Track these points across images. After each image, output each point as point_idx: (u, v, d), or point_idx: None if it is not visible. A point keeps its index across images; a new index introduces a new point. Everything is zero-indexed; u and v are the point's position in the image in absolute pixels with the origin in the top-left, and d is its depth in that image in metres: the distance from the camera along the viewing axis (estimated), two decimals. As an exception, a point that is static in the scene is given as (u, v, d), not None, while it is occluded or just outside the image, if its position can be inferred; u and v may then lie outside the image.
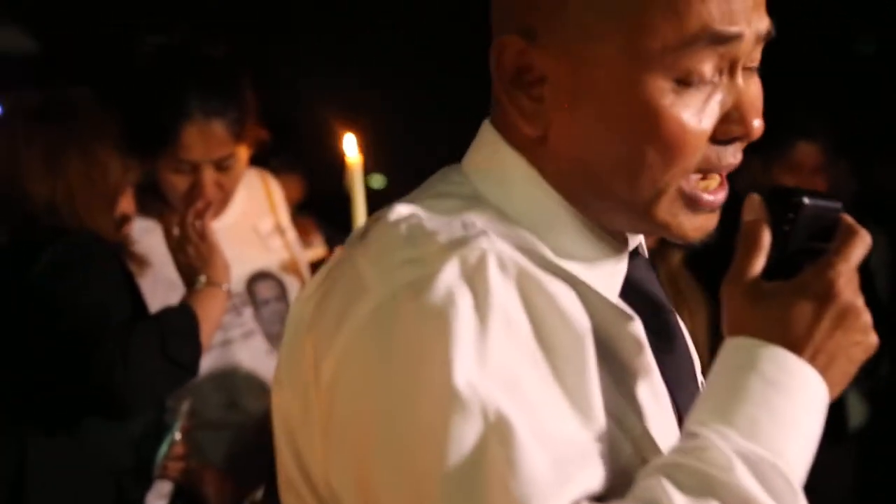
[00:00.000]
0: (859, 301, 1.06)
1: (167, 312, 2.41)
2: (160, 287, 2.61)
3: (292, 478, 1.09)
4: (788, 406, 1.01)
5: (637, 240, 1.17)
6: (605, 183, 1.08)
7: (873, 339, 1.08)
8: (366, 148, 2.72)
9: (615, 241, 1.13)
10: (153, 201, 2.68)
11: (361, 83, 5.75)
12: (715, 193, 1.09)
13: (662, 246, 2.66)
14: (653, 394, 1.10)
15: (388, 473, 0.97)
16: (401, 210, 1.07)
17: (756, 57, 1.09)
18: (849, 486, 3.68)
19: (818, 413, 1.03)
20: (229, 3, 5.80)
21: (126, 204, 2.52)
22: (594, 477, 0.98)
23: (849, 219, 1.09)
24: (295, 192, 3.77)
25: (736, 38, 1.04)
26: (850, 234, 1.07)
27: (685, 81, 1.04)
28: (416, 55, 5.88)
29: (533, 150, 1.11)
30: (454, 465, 0.93)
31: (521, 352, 0.99)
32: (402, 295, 0.99)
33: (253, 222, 2.83)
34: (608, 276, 1.12)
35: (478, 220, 1.06)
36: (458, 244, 1.01)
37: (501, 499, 0.92)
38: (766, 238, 1.07)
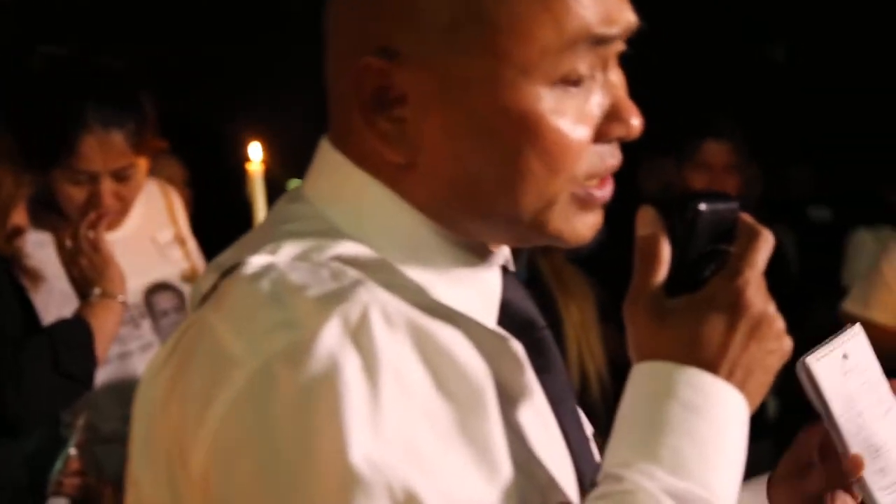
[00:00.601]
0: (771, 308, 0.99)
1: (60, 326, 2.34)
2: (54, 301, 2.53)
3: None
4: (711, 431, 0.94)
5: (504, 256, 1.08)
6: (488, 202, 0.98)
7: (788, 344, 1.00)
8: (284, 154, 2.68)
9: (486, 261, 1.04)
10: (47, 214, 2.60)
11: (280, 89, 5.68)
12: (602, 188, 1.01)
13: (544, 247, 2.63)
14: (542, 424, 1.02)
15: None
16: (256, 262, 0.93)
17: (621, 47, 1.03)
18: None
19: (741, 431, 0.96)
20: (136, 12, 5.72)
21: (18, 217, 2.44)
22: None
23: (748, 219, 1.01)
24: (177, 174, 3.70)
25: (614, 38, 0.99)
26: (752, 237, 0.99)
27: (563, 86, 0.97)
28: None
29: (395, 177, 1.00)
30: None
31: (419, 412, 0.88)
32: (277, 364, 0.86)
33: (151, 233, 2.76)
34: (485, 301, 1.03)
35: (345, 263, 0.95)
36: (334, 299, 0.89)
37: None
38: (664, 251, 0.99)
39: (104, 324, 2.38)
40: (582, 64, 0.97)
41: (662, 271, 0.99)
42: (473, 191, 0.98)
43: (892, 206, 4.09)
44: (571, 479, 1.02)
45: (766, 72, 7.58)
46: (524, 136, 0.96)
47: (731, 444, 0.95)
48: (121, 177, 2.56)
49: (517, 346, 0.99)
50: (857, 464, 1.16)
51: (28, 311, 2.40)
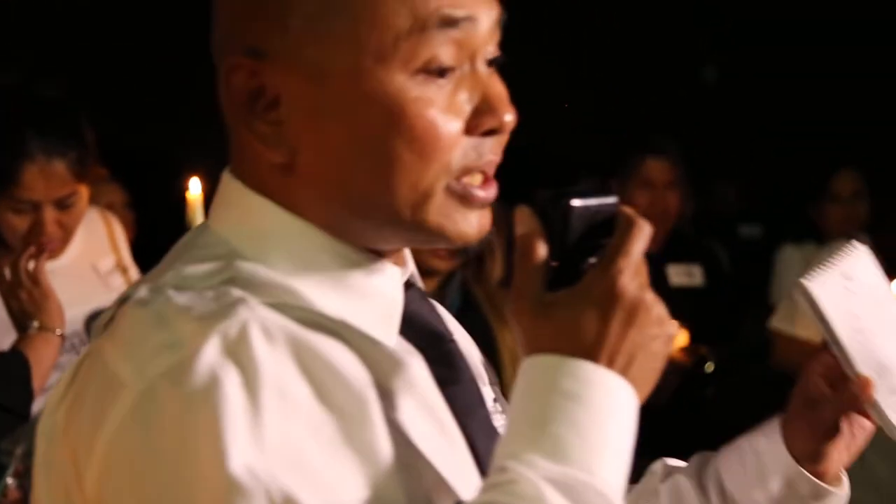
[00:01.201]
0: (648, 294, 0.97)
1: None
2: (-7, 331, 2.47)
3: None
4: (594, 418, 0.92)
5: (409, 270, 1.08)
6: (367, 199, 0.98)
7: (671, 328, 0.99)
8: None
9: (385, 275, 1.04)
10: None
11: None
12: (485, 189, 1.00)
13: (478, 269, 2.62)
14: (441, 430, 1.01)
15: None
16: (146, 288, 0.96)
17: (494, 50, 1.01)
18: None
19: (626, 416, 0.95)
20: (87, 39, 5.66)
21: None
22: None
23: (626, 211, 1.00)
24: (118, 198, 3.65)
25: (467, 20, 0.97)
26: (626, 228, 0.98)
27: (426, 72, 0.96)
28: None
29: (283, 187, 1.00)
30: None
31: (301, 422, 0.89)
32: (161, 385, 0.88)
33: (92, 261, 2.73)
34: (384, 315, 1.03)
35: (234, 284, 0.95)
36: (215, 318, 0.90)
37: None
38: (541, 249, 0.98)
39: (42, 357, 2.33)
40: (443, 52, 0.96)
41: (540, 269, 0.98)
42: (352, 189, 0.98)
43: (817, 223, 4.13)
44: (474, 484, 1.00)
45: (697, 93, 7.64)
46: (390, 125, 0.96)
47: (615, 429, 0.94)
48: (63, 205, 2.53)
49: (415, 359, 1.00)
50: (865, 384, 1.14)
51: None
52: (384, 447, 0.93)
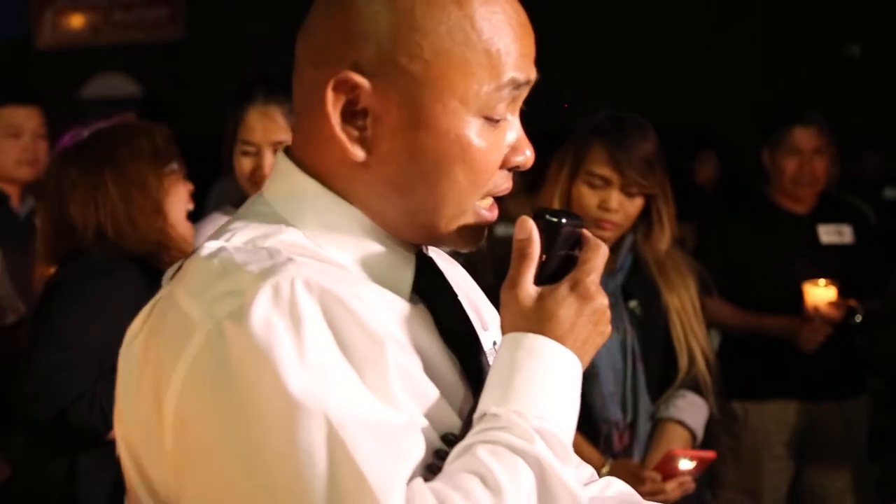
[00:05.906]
0: (603, 298, 1.10)
1: None
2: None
3: (134, 484, 1.05)
4: (558, 387, 1.05)
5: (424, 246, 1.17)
6: (418, 204, 1.08)
7: (607, 328, 1.12)
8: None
9: (405, 249, 1.13)
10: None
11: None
12: (491, 210, 1.12)
13: (646, 234, 2.50)
14: (426, 367, 1.08)
15: (248, 489, 0.94)
16: (211, 245, 1.04)
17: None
18: (864, 434, 3.49)
19: (574, 383, 1.08)
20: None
21: (176, 206, 2.33)
22: (419, 447, 0.98)
23: (587, 233, 1.13)
24: None
25: (526, 83, 1.09)
26: (592, 248, 1.11)
27: (487, 119, 1.07)
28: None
29: (345, 177, 1.08)
30: (310, 466, 0.92)
31: (331, 359, 0.97)
32: (226, 325, 0.96)
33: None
34: (398, 277, 1.11)
35: (281, 245, 1.04)
36: (269, 273, 0.98)
37: (357, 487, 0.92)
38: (536, 252, 1.10)
39: None
40: (503, 105, 1.07)
41: (533, 267, 1.09)
42: (409, 193, 1.07)
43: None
44: (458, 404, 1.10)
45: (844, 68, 7.28)
46: (458, 154, 1.06)
47: (567, 394, 1.06)
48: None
49: (414, 311, 1.09)
50: None
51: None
52: (394, 386, 0.99)
